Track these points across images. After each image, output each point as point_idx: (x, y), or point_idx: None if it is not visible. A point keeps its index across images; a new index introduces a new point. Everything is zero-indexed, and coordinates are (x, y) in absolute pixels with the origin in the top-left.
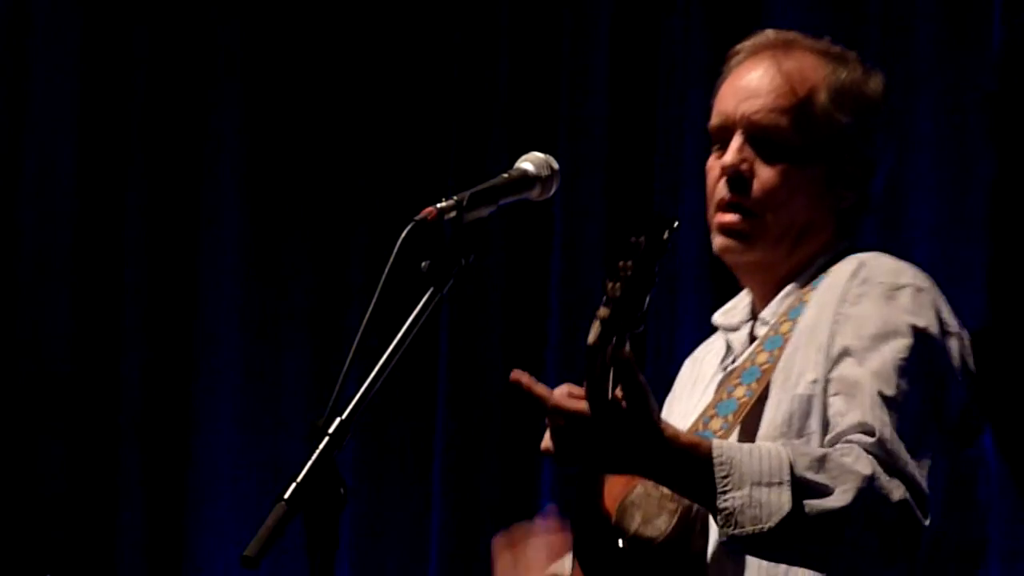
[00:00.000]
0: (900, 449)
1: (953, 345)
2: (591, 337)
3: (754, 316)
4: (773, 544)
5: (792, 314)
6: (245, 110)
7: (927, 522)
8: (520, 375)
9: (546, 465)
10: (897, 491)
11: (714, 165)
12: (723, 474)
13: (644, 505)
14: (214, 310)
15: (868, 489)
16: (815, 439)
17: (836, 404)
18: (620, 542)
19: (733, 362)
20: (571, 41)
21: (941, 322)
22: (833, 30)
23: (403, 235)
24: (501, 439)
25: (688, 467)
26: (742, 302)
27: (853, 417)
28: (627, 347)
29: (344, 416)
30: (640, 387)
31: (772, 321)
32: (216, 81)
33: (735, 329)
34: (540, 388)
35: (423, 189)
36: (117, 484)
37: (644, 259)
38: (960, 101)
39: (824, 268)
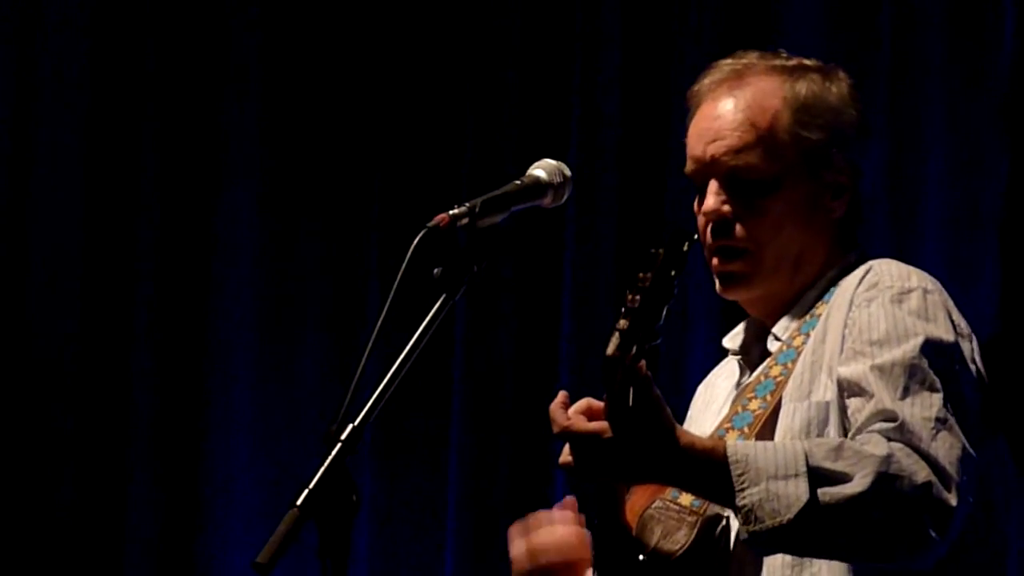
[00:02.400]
0: (922, 432)
1: (965, 347)
2: (610, 348)
3: (764, 334)
4: (796, 537)
5: (804, 328)
6: (261, 112)
7: (955, 502)
8: (563, 396)
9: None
10: (920, 472)
11: (699, 210)
12: (739, 472)
13: (663, 519)
14: (228, 313)
15: (887, 472)
16: None
17: (853, 403)
18: (640, 556)
19: (747, 378)
20: (584, 46)
21: (952, 324)
22: (843, 33)
23: (415, 241)
24: (515, 440)
25: (706, 471)
26: (748, 324)
27: (871, 407)
28: (644, 360)
29: (356, 422)
30: (656, 398)
31: (785, 336)
32: (230, 81)
33: (745, 352)
34: (560, 416)
35: (436, 195)
36: (128, 488)
37: (663, 271)
38: (972, 102)
39: (835, 281)
